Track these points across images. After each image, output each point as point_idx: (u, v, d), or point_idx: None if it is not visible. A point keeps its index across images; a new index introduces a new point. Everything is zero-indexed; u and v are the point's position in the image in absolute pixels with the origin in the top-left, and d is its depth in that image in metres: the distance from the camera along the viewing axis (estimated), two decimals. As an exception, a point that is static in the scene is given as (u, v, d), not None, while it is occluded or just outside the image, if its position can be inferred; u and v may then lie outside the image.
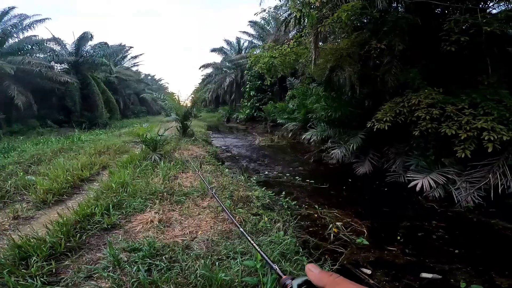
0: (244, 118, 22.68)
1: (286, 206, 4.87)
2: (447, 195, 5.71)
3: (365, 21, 8.22)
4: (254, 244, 0.77)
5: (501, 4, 6.66)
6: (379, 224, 4.75)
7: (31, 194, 4.36)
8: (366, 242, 3.98)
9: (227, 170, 6.81)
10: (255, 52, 13.83)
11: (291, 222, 4.13)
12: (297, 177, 7.20)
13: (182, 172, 5.60)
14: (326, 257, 3.47)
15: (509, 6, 6.54)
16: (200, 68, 32.25)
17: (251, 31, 25.53)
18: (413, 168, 6.45)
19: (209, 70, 34.63)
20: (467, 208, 5.27)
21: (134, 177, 5.07)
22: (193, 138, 10.14)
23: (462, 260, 3.64)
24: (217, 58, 33.76)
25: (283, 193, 5.42)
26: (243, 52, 28.27)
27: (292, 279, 0.55)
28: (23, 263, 2.52)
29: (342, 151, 8.05)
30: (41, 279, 2.27)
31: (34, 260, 2.49)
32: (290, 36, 12.25)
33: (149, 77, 46.71)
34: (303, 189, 6.51)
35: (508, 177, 5.07)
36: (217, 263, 2.54)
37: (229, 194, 4.43)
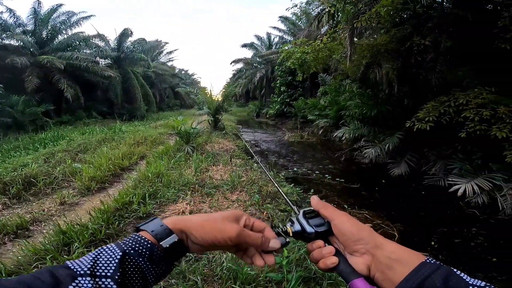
0: (273, 113, 22.59)
1: (314, 205, 4.80)
2: (491, 201, 5.24)
3: (406, 16, 7.72)
4: (274, 181, 0.85)
5: None
6: (413, 228, 4.53)
7: (77, 181, 4.70)
8: (396, 246, 3.81)
9: (255, 164, 6.87)
10: (286, 48, 13.65)
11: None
12: (326, 175, 7.04)
13: (213, 165, 5.77)
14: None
15: None
16: (231, 63, 32.68)
17: (282, 26, 25.27)
18: (456, 172, 5.98)
19: (239, 65, 34.91)
20: (511, 216, 4.82)
21: (168, 167, 5.32)
22: (224, 132, 10.36)
23: (499, 269, 3.42)
24: (248, 54, 33.94)
25: (312, 190, 5.35)
26: (273, 48, 28.07)
27: None
28: (66, 248, 2.68)
29: (377, 150, 7.70)
30: (80, 266, 2.46)
31: (76, 246, 2.65)
32: (323, 32, 11.87)
33: (182, 72, 48.28)
34: (332, 188, 6.35)
35: None
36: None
37: (257, 189, 4.48)
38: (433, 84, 6.40)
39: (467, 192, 5.39)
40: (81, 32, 18.07)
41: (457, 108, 5.44)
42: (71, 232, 2.82)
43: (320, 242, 0.53)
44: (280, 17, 24.16)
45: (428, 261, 0.41)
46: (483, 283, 0.36)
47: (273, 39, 29.39)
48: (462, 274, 0.38)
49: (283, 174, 6.71)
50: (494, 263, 3.53)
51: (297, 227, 0.55)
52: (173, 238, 0.47)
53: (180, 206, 3.74)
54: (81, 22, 17.49)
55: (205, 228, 0.49)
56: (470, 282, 0.36)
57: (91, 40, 18.52)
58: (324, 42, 9.22)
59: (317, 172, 7.45)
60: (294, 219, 0.57)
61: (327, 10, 8.57)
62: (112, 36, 21.29)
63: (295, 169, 7.84)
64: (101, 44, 19.95)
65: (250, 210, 3.83)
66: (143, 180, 4.55)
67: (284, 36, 25.82)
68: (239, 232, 0.49)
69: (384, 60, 7.90)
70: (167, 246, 0.46)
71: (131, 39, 21.86)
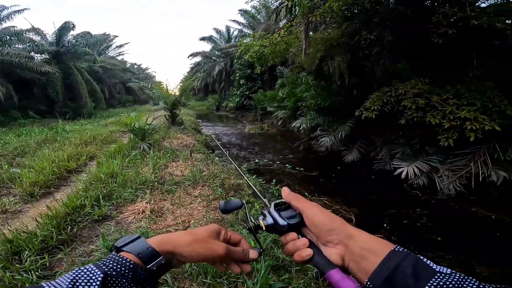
0: (233, 106, 22.56)
1: (276, 194, 4.95)
2: (430, 183, 5.83)
3: (356, 11, 8.17)
4: (247, 179, 0.84)
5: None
6: (367, 211, 4.86)
7: (17, 187, 4.27)
8: (353, 230, 4.06)
9: (217, 158, 6.82)
10: (245, 41, 13.66)
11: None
12: (287, 165, 7.30)
13: (172, 161, 5.58)
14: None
15: None
16: (188, 57, 31.50)
17: (241, 20, 25.32)
18: (399, 156, 6.60)
19: (198, 59, 33.95)
20: (449, 196, 5.37)
21: (123, 167, 5.03)
22: (182, 126, 10.04)
23: (444, 248, 3.75)
24: (206, 47, 33.19)
25: (274, 181, 5.49)
26: (232, 41, 27.91)
27: None
28: (16, 257, 2.51)
29: (331, 139, 8.16)
30: (36, 273, 2.28)
31: (27, 254, 2.48)
32: (281, 25, 12.10)
33: (135, 66, 45.31)
34: (293, 177, 6.61)
35: (489, 166, 5.18)
36: (211, 251, 2.60)
37: (220, 182, 4.47)
38: (378, 76, 6.95)
39: (409, 175, 5.96)
40: (13, 27, 16.51)
41: (397, 98, 5.99)
42: (18, 240, 2.61)
43: (293, 235, 0.53)
44: (240, 10, 24.25)
45: (396, 249, 0.42)
46: (448, 270, 0.37)
47: (232, 32, 29.35)
48: (428, 262, 0.39)
49: (245, 166, 6.79)
50: (440, 242, 3.89)
51: (269, 220, 0.55)
52: (160, 261, 0.46)
53: (140, 205, 3.57)
54: (12, 15, 16.18)
55: (194, 247, 0.50)
56: (437, 270, 0.38)
57: (24, 35, 16.86)
58: (281, 36, 9.40)
59: (278, 162, 7.68)
60: (266, 212, 0.56)
61: (285, 4, 8.71)
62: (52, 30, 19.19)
63: (256, 160, 7.97)
64: (37, 38, 18.11)
65: (214, 203, 3.81)
66: (95, 182, 4.24)
67: (244, 29, 25.88)
68: (227, 251, 0.52)
69: (336, 54, 8.33)
70: (154, 268, 0.45)
71: (73, 32, 20.11)
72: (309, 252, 0.50)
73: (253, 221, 0.57)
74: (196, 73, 33.82)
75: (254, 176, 5.51)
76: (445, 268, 0.38)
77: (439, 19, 5.49)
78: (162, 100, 10.43)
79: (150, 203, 3.63)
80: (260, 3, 19.89)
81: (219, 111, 26.57)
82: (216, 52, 29.70)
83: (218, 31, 30.26)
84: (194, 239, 0.50)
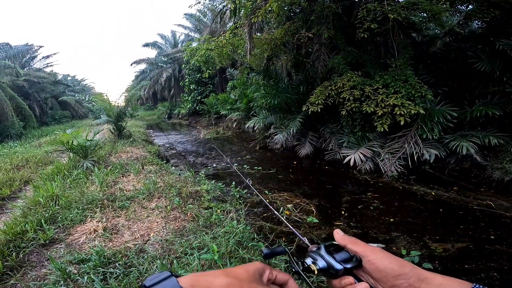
0: (186, 112, 21.96)
1: (237, 196, 4.97)
2: (375, 166, 6.33)
3: (298, 11, 8.45)
4: (275, 211, 0.82)
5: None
6: (325, 201, 5.04)
7: None
8: (316, 221, 4.17)
9: (173, 168, 6.58)
10: (191, 45, 13.43)
11: (243, 211, 4.24)
12: (245, 166, 7.35)
13: (123, 176, 5.23)
14: (283, 239, 3.63)
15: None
16: (131, 65, 29.57)
17: (187, 24, 24.72)
18: (346, 145, 7.08)
19: (142, 66, 32.22)
20: (392, 177, 5.85)
21: (65, 188, 4.59)
22: (131, 139, 9.42)
23: (398, 228, 3.96)
24: (151, 53, 31.65)
25: (233, 183, 5.49)
26: (179, 46, 27.15)
27: (319, 245, 0.57)
28: None
29: (284, 135, 8.42)
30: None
31: None
32: (227, 28, 12.15)
33: (68, 78, 40.98)
34: (252, 177, 6.65)
35: (420, 146, 5.83)
36: (175, 261, 2.54)
37: (176, 192, 4.32)
38: (319, 71, 7.40)
39: (356, 161, 6.43)
40: None
41: (337, 91, 6.43)
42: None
43: (350, 279, 0.50)
44: (185, 14, 23.70)
45: None
46: None
47: (179, 36, 28.65)
48: None
49: (203, 172, 6.66)
50: (393, 223, 4.14)
51: (321, 263, 0.52)
52: None
53: (90, 225, 3.34)
54: None
55: None
56: None
57: None
58: (227, 38, 9.42)
59: (236, 164, 7.69)
60: (316, 256, 0.54)
61: (229, 6, 8.74)
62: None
63: (214, 165, 7.88)
64: None
65: (173, 213, 3.69)
66: (34, 206, 3.89)
67: (190, 33, 25.36)
68: None
69: (281, 53, 8.64)
70: None
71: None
72: None
73: (300, 264, 0.54)
74: (141, 81, 32.05)
75: (213, 181, 5.44)
76: None
77: (363, 14, 5.86)
78: (104, 112, 9.64)
79: (101, 222, 3.42)
80: (205, 6, 19.71)
81: (171, 119, 25.59)
82: (163, 58, 28.59)
83: (163, 37, 29.19)
84: (232, 283, 0.42)
